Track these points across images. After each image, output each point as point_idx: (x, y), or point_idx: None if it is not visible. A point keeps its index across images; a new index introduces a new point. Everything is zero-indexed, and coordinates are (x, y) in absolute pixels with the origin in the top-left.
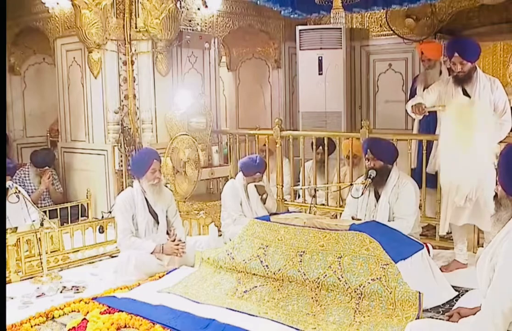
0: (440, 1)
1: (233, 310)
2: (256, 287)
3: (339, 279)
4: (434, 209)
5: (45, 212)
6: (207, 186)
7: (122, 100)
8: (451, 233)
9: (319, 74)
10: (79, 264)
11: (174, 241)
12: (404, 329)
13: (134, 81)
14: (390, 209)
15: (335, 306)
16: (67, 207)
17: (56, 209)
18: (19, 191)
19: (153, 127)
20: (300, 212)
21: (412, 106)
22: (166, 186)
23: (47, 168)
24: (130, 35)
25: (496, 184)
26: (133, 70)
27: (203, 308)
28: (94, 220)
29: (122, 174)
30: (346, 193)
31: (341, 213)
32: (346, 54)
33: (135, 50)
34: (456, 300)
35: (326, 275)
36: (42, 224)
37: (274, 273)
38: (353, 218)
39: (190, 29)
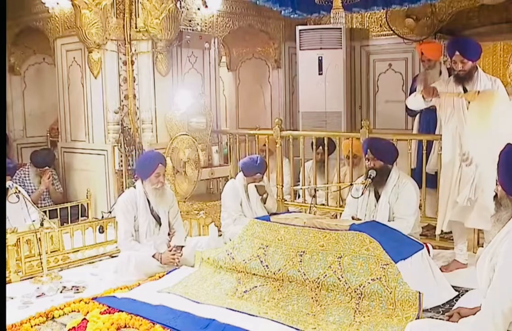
0: (440, 1)
1: (233, 310)
2: (256, 287)
3: (339, 279)
4: (434, 209)
5: (45, 212)
6: (207, 186)
7: (122, 100)
8: (451, 232)
9: (319, 74)
10: (79, 264)
11: (171, 250)
12: (404, 329)
13: (134, 81)
14: (390, 209)
15: (335, 306)
16: (67, 207)
17: (56, 209)
18: (19, 191)
19: (153, 127)
20: (300, 212)
21: (422, 90)
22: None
23: (47, 168)
24: (130, 35)
25: (496, 184)
26: (133, 70)
27: (203, 308)
28: (94, 220)
29: (122, 174)
30: (346, 193)
31: (341, 213)
32: (346, 54)
33: (135, 50)
34: (456, 300)
35: (326, 275)
36: (42, 224)
37: (274, 273)
38: (353, 218)
39: (190, 29)
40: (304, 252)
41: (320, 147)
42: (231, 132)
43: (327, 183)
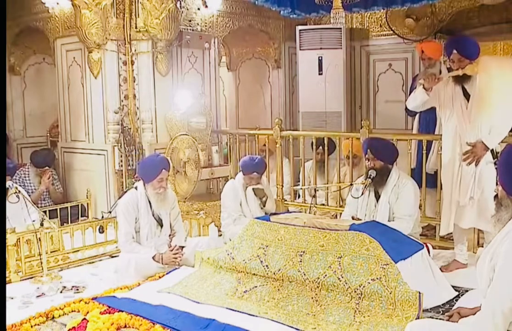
0: (440, 1)
1: (233, 310)
2: (256, 287)
3: (339, 279)
4: (434, 209)
5: (45, 212)
6: (207, 186)
7: (122, 100)
8: (451, 232)
9: (319, 74)
10: (79, 264)
11: (172, 250)
12: (404, 329)
13: (134, 81)
14: (390, 209)
15: (335, 306)
16: (67, 207)
17: (56, 209)
18: (19, 191)
19: (153, 127)
20: (300, 212)
21: (424, 78)
22: None
23: (47, 168)
24: (130, 35)
25: (497, 184)
26: (133, 70)
27: (203, 308)
28: (94, 220)
29: (122, 174)
30: (346, 193)
31: (341, 213)
32: (346, 54)
33: (135, 50)
34: (456, 300)
35: (326, 275)
36: (42, 224)
37: (274, 273)
38: (353, 218)
39: (190, 29)
40: (304, 252)
41: (320, 147)
42: (231, 132)
43: (327, 183)
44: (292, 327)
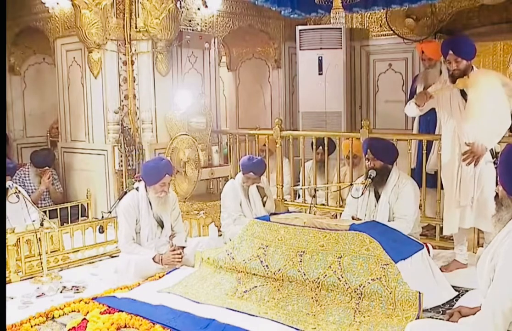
0: (440, 1)
1: (233, 310)
2: (256, 287)
3: (339, 279)
4: (434, 209)
5: (45, 212)
6: (207, 186)
7: (122, 100)
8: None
9: (319, 74)
10: (79, 264)
11: (174, 250)
12: (404, 329)
13: (134, 81)
14: (390, 209)
15: (335, 306)
16: (67, 207)
17: (56, 209)
18: (19, 191)
19: (153, 127)
20: (300, 212)
21: (416, 96)
22: None
23: (47, 168)
24: (130, 35)
25: (497, 184)
26: (133, 70)
27: (203, 308)
28: (94, 220)
29: (122, 174)
30: (346, 193)
31: (341, 213)
32: (346, 54)
33: (135, 50)
34: (456, 300)
35: (326, 275)
36: (42, 224)
37: (274, 273)
38: (353, 218)
39: (190, 29)
40: (304, 252)
41: (320, 147)
42: (231, 132)
43: (327, 183)
44: (292, 327)
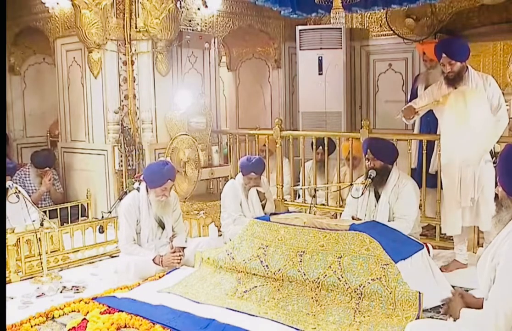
0: (440, 1)
1: (233, 310)
2: (256, 287)
3: (339, 279)
4: (434, 209)
5: (45, 212)
6: (207, 186)
7: (122, 100)
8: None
9: (319, 74)
10: (79, 264)
11: (174, 252)
12: (404, 329)
13: (134, 81)
14: (390, 209)
15: (335, 306)
16: (67, 207)
17: (56, 209)
18: (19, 191)
19: (153, 127)
20: (300, 212)
21: (402, 110)
22: None
23: (47, 168)
24: (130, 35)
25: (497, 185)
26: (133, 70)
27: (203, 308)
28: (94, 220)
29: (122, 174)
30: (346, 193)
31: (341, 213)
32: (346, 54)
33: (135, 50)
34: None
35: (326, 275)
36: (42, 224)
37: (274, 273)
38: (353, 218)
39: (190, 29)
40: (304, 252)
41: (320, 147)
42: (231, 132)
43: (327, 183)
44: (292, 327)
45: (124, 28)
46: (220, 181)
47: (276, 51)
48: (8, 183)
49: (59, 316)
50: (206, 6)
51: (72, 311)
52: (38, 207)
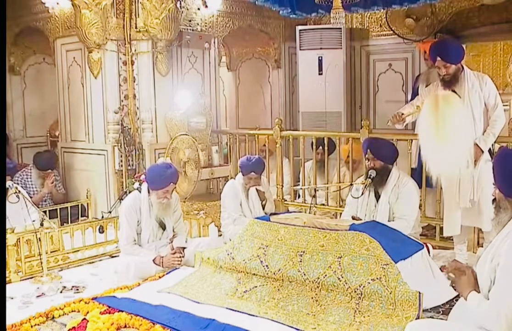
0: (440, 1)
1: (233, 310)
2: (256, 287)
3: (339, 279)
4: (434, 209)
5: (45, 212)
6: (207, 186)
7: (122, 100)
8: None
9: (319, 74)
10: (79, 264)
11: (174, 253)
12: (404, 329)
13: (134, 81)
14: (390, 209)
15: (335, 306)
16: (67, 207)
17: (56, 209)
18: (19, 191)
19: (153, 127)
20: (300, 212)
21: (390, 118)
22: None
23: (49, 170)
24: (130, 35)
25: (494, 188)
26: (133, 70)
27: (203, 308)
28: (94, 220)
29: (122, 174)
30: (346, 193)
31: (341, 213)
32: (346, 54)
33: (135, 50)
34: (456, 300)
35: (326, 275)
36: (42, 224)
37: (274, 273)
38: (353, 218)
39: (190, 29)
40: (304, 252)
41: (320, 147)
42: (231, 132)
43: (327, 183)
44: (292, 327)
45: (124, 28)
46: (220, 181)
47: (276, 51)
48: (8, 183)
49: (59, 316)
50: (206, 6)
51: (72, 311)
52: (38, 207)
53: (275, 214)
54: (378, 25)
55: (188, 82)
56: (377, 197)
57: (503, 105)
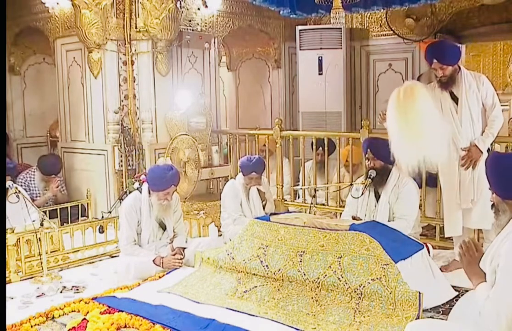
0: (440, 1)
1: (233, 310)
2: (256, 287)
3: (339, 279)
4: (434, 209)
5: (45, 212)
6: (207, 186)
7: (122, 100)
8: None
9: (319, 74)
10: (79, 264)
11: (175, 254)
12: (404, 329)
13: (134, 81)
14: (390, 208)
15: (335, 306)
16: (67, 207)
17: (56, 209)
18: (19, 191)
19: (153, 127)
20: (300, 212)
21: (379, 115)
22: None
23: (54, 175)
24: (130, 35)
25: (492, 193)
26: (133, 70)
27: (203, 308)
28: (94, 220)
29: (122, 174)
30: (346, 194)
31: (341, 213)
32: (346, 54)
33: (135, 50)
34: (456, 300)
35: (326, 275)
36: (42, 224)
37: (274, 273)
38: (353, 218)
39: (190, 29)
40: (304, 252)
41: (320, 148)
42: (231, 132)
43: (327, 183)
44: (292, 327)
45: (124, 28)
46: (220, 181)
47: (276, 51)
48: (8, 183)
49: (59, 316)
50: (206, 6)
51: (72, 311)
52: (38, 207)
53: (275, 214)
54: (378, 25)
55: (188, 82)
56: (377, 197)
57: (503, 105)
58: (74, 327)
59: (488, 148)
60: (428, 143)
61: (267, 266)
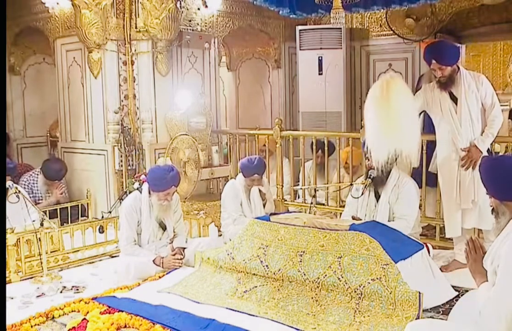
0: (440, 1)
1: (233, 310)
2: (256, 287)
3: (339, 279)
4: (434, 209)
5: (45, 212)
6: (207, 186)
7: (122, 100)
8: None
9: (319, 74)
10: (79, 264)
11: (175, 254)
12: (404, 329)
13: (134, 81)
14: (390, 208)
15: (335, 306)
16: (67, 207)
17: (56, 209)
18: (19, 191)
19: (153, 127)
20: (300, 212)
21: None
22: None
23: (57, 181)
24: (130, 35)
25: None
26: (133, 70)
27: (203, 308)
28: (94, 220)
29: (122, 174)
30: (346, 194)
31: (341, 213)
32: (346, 54)
33: (135, 50)
34: (456, 300)
35: (326, 275)
36: (42, 224)
37: (274, 273)
38: (353, 218)
39: (190, 29)
40: (304, 252)
41: (320, 150)
42: (231, 132)
43: (327, 183)
44: (292, 327)
45: (124, 28)
46: (220, 181)
47: (276, 51)
48: (8, 183)
49: (59, 316)
50: (206, 6)
51: (72, 311)
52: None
53: (275, 214)
54: (378, 25)
55: (188, 82)
56: (377, 197)
57: (502, 105)
58: (74, 327)
59: (488, 149)
60: (400, 138)
61: (267, 266)
